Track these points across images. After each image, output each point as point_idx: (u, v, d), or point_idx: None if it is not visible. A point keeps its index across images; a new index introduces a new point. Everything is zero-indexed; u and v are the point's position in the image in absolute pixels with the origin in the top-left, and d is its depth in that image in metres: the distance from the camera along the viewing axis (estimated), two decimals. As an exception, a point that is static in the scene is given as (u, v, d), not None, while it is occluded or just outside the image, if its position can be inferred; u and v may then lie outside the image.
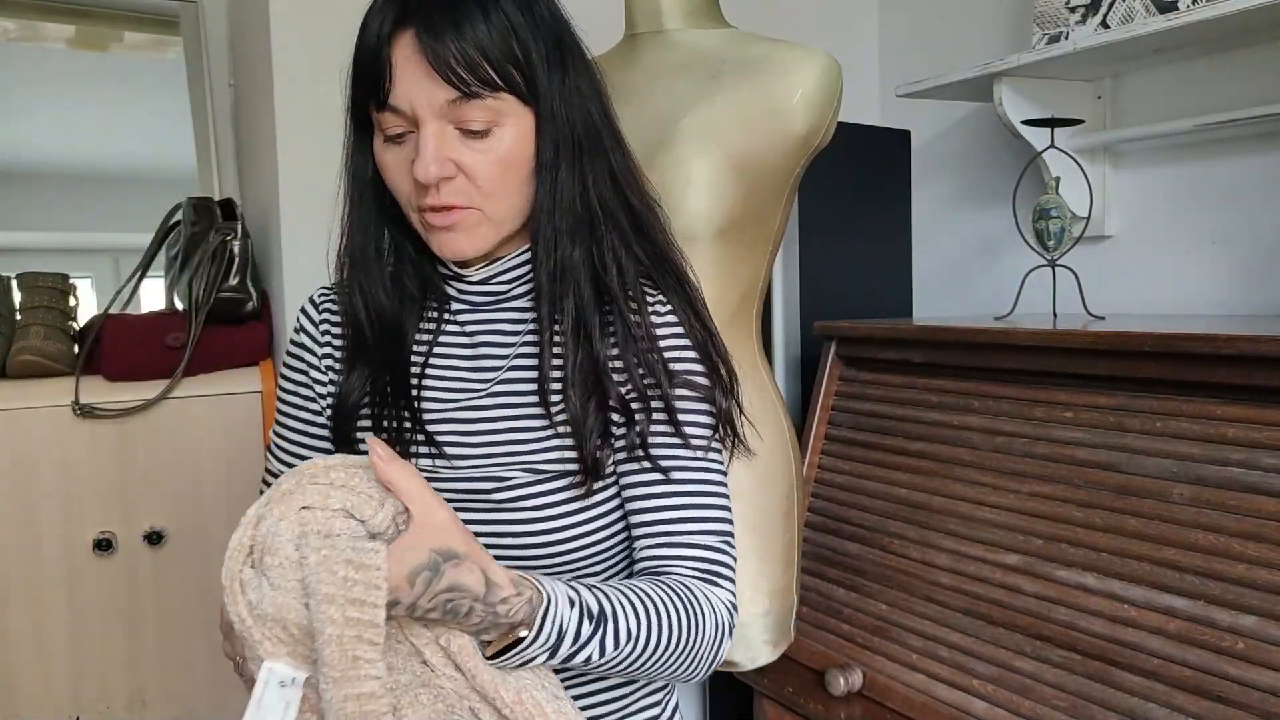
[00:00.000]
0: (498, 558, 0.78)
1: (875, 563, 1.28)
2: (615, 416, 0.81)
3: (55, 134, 1.86)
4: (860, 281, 1.72)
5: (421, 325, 0.86)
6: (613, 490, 0.82)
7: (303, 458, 0.87)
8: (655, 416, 0.81)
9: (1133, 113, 1.56)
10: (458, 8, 0.73)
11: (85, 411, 1.37)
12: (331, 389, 0.86)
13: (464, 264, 0.85)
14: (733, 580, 0.81)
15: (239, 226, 1.52)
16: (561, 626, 0.70)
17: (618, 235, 0.82)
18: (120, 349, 1.42)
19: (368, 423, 0.83)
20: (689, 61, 1.19)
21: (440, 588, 0.65)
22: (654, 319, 0.83)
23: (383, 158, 0.78)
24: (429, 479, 0.80)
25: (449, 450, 0.81)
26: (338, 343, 0.87)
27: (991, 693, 1.09)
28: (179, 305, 1.57)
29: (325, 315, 0.88)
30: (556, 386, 0.80)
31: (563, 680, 0.82)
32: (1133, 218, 1.58)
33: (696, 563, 0.80)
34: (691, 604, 0.77)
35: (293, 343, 0.90)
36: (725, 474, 0.84)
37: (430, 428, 0.82)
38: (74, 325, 1.50)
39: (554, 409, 0.80)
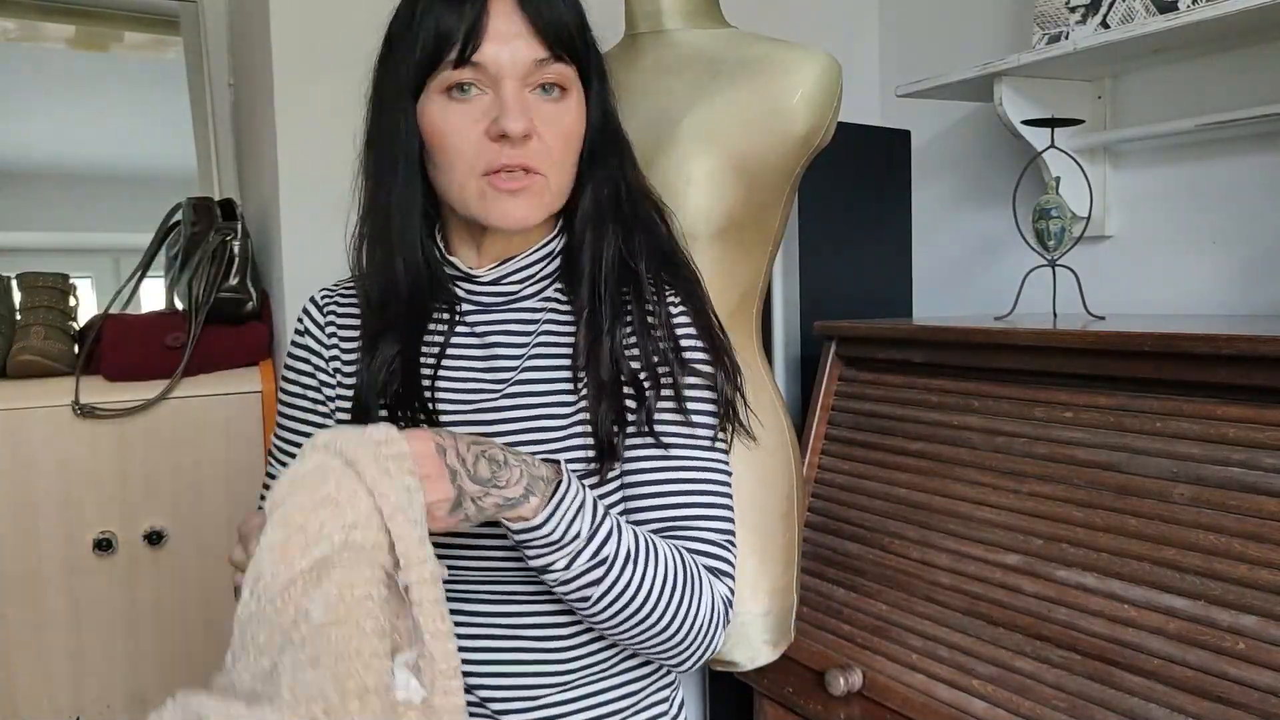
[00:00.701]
0: (514, 557, 0.79)
1: (875, 563, 1.28)
2: (629, 395, 0.82)
3: (55, 134, 1.86)
4: (860, 281, 1.72)
5: (431, 327, 0.85)
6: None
7: None
8: (664, 394, 0.82)
9: (1133, 113, 1.56)
10: None
11: (85, 411, 1.37)
12: (341, 391, 0.86)
13: (476, 263, 0.85)
14: (732, 578, 0.82)
15: (239, 226, 1.52)
16: (580, 499, 0.72)
17: (643, 226, 0.85)
18: (120, 349, 1.42)
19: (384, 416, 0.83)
20: (689, 61, 1.19)
21: (465, 442, 0.68)
22: (669, 301, 0.85)
23: (443, 119, 0.76)
24: None
25: None
26: (345, 345, 0.86)
27: (991, 693, 1.09)
28: (179, 305, 1.57)
29: (331, 317, 0.88)
30: (586, 365, 0.81)
31: (572, 676, 0.82)
32: (1133, 218, 1.58)
33: (699, 557, 0.80)
34: (694, 571, 0.78)
35: (296, 344, 0.89)
36: (730, 473, 0.85)
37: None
38: (74, 325, 1.51)
39: (581, 394, 0.81)
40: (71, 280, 1.52)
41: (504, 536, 0.79)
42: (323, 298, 0.89)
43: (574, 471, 0.80)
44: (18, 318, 1.47)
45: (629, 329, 0.82)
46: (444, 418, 0.82)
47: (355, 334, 0.86)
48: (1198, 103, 1.46)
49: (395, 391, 0.82)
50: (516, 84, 0.75)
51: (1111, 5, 1.42)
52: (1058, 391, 1.15)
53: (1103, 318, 1.39)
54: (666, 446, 0.81)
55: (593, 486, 0.80)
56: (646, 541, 0.76)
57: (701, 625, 0.78)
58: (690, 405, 0.82)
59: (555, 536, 0.71)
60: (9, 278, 1.48)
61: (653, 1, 1.22)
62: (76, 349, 1.47)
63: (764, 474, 1.18)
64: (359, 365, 0.83)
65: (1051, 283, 1.50)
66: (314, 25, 1.45)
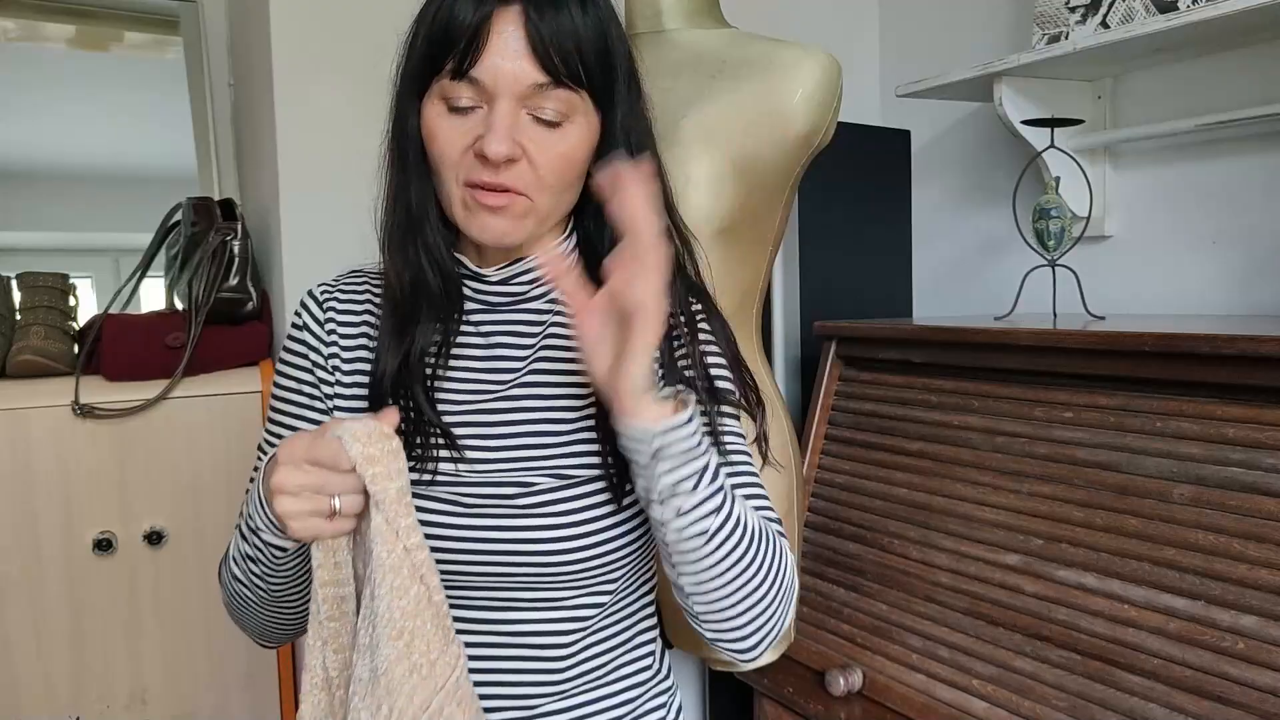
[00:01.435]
0: (522, 564, 0.78)
1: (875, 563, 1.28)
2: None
3: (55, 134, 1.86)
4: (860, 281, 1.72)
5: (434, 325, 0.85)
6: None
7: None
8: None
9: (1133, 113, 1.56)
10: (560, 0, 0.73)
11: (85, 411, 1.37)
12: (339, 389, 0.85)
13: (483, 263, 0.84)
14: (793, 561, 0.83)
15: (239, 226, 1.52)
16: (705, 440, 0.72)
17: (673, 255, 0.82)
18: (120, 349, 1.42)
19: None
20: (689, 61, 1.19)
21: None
22: (700, 331, 0.84)
23: (437, 124, 0.76)
24: (451, 482, 0.79)
25: (470, 454, 0.80)
26: (344, 341, 0.85)
27: (991, 693, 1.09)
28: (179, 305, 1.57)
29: (330, 314, 0.86)
30: (591, 393, 0.80)
31: (569, 684, 0.82)
32: (1133, 218, 1.58)
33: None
34: (773, 535, 0.78)
35: (293, 339, 0.87)
36: (760, 482, 0.85)
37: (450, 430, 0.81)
38: (74, 325, 1.51)
39: (593, 416, 0.80)
40: (71, 280, 1.52)
41: (503, 538, 0.78)
42: (322, 293, 0.88)
43: (579, 478, 0.80)
44: (18, 318, 1.47)
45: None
46: (444, 418, 0.82)
47: (355, 330, 0.86)
48: (1198, 103, 1.46)
49: (415, 357, 0.81)
50: (512, 104, 0.73)
51: (1111, 5, 1.42)
52: (1058, 391, 1.15)
53: (1103, 318, 1.39)
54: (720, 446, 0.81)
55: (607, 503, 0.79)
56: (743, 505, 0.76)
57: (785, 582, 0.78)
58: (722, 436, 0.82)
59: (694, 441, 0.70)
60: (9, 278, 1.48)
61: (653, 2, 1.22)
62: (76, 349, 1.47)
63: (764, 474, 1.18)
64: (379, 353, 0.82)
65: (1051, 283, 1.50)
66: (314, 25, 1.45)
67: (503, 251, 0.83)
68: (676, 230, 0.85)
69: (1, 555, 1.34)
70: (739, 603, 0.75)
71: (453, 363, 0.84)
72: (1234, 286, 1.45)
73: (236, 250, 1.50)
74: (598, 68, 0.75)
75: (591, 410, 0.80)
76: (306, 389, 0.86)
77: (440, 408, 0.82)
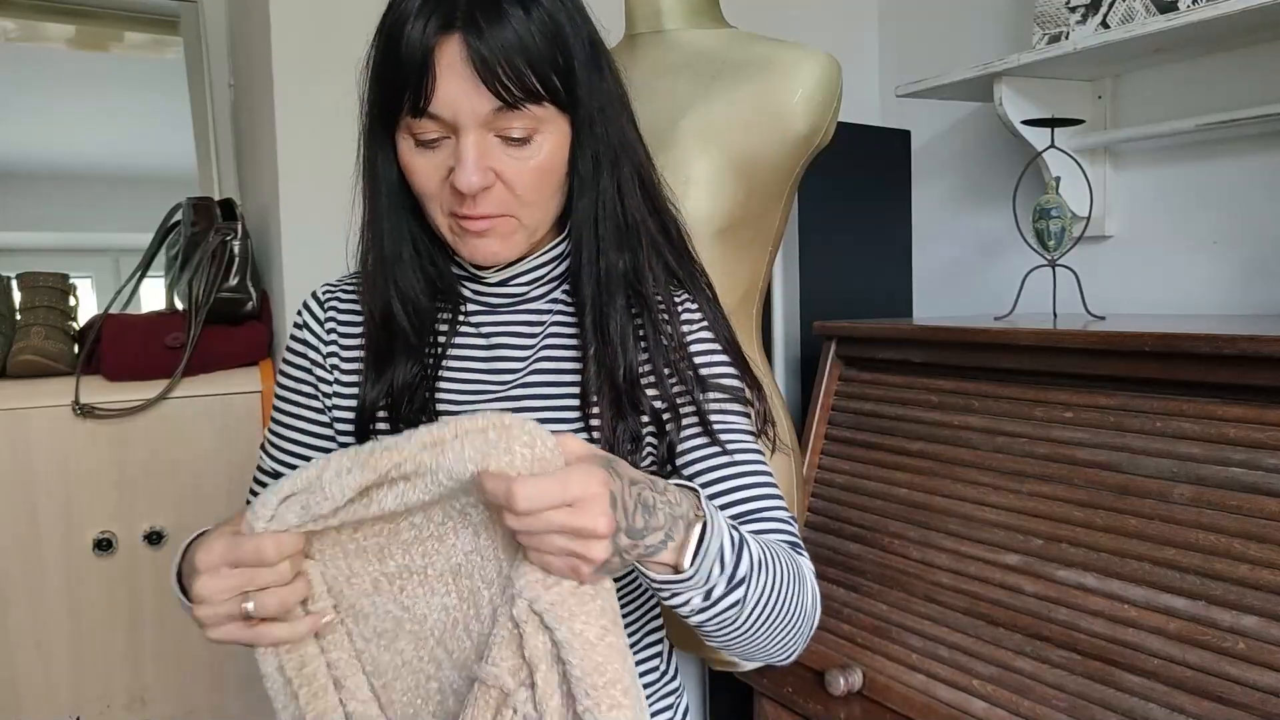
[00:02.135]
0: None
1: (875, 563, 1.28)
2: (647, 423, 0.81)
3: (55, 134, 1.86)
4: (860, 281, 1.72)
5: (435, 327, 0.85)
6: None
7: (300, 457, 0.86)
8: (686, 422, 0.80)
9: (1133, 113, 1.56)
10: (501, 8, 0.70)
11: (85, 411, 1.37)
12: (339, 389, 0.85)
13: (484, 266, 0.84)
14: (806, 553, 0.81)
15: (239, 226, 1.52)
16: (722, 532, 0.67)
17: (649, 242, 0.82)
18: (120, 349, 1.42)
19: (385, 426, 0.82)
20: (689, 62, 1.19)
21: (627, 480, 0.62)
22: (686, 319, 0.83)
23: (411, 161, 0.76)
24: None
25: None
26: (344, 341, 0.86)
27: (991, 693, 1.09)
28: (179, 305, 1.57)
29: (331, 314, 0.87)
30: (596, 395, 0.79)
31: None
32: (1133, 218, 1.58)
33: (779, 536, 0.79)
34: (790, 559, 0.76)
35: (294, 339, 0.88)
36: (769, 470, 0.84)
37: None
38: (74, 325, 1.51)
39: (592, 416, 0.79)
40: (71, 280, 1.53)
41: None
42: (324, 294, 0.89)
43: None
44: (18, 318, 1.47)
45: (642, 347, 0.81)
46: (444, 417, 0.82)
47: (356, 331, 0.86)
48: (1198, 103, 1.46)
49: (400, 389, 0.81)
50: (476, 132, 0.72)
51: (1111, 5, 1.42)
52: (1058, 391, 1.15)
53: (1103, 318, 1.39)
54: (728, 463, 0.81)
55: None
56: (759, 543, 0.73)
57: (809, 607, 0.77)
58: (718, 424, 0.81)
59: (699, 580, 0.67)
60: (9, 278, 1.48)
61: (653, 2, 1.22)
62: (76, 349, 1.47)
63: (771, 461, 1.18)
64: (361, 381, 0.83)
65: (1051, 283, 1.50)
66: (314, 25, 1.45)
67: None
68: (655, 210, 0.84)
69: (1, 555, 1.34)
70: (764, 647, 0.75)
71: (455, 363, 0.84)
72: (1234, 286, 1.45)
73: (236, 250, 1.50)
74: (554, 74, 0.72)
75: (595, 410, 0.80)
76: (306, 389, 0.87)
77: (441, 409, 0.82)
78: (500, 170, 0.73)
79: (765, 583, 0.71)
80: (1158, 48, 1.41)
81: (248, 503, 0.87)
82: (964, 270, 1.88)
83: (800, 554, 0.81)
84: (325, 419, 0.86)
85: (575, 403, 0.81)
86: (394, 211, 0.80)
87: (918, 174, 1.87)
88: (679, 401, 0.81)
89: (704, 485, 0.81)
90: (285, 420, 0.88)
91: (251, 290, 1.52)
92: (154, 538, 1.42)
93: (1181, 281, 1.52)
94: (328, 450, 0.85)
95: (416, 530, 0.68)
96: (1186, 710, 0.93)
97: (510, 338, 0.84)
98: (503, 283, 0.84)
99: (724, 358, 0.84)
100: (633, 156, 0.81)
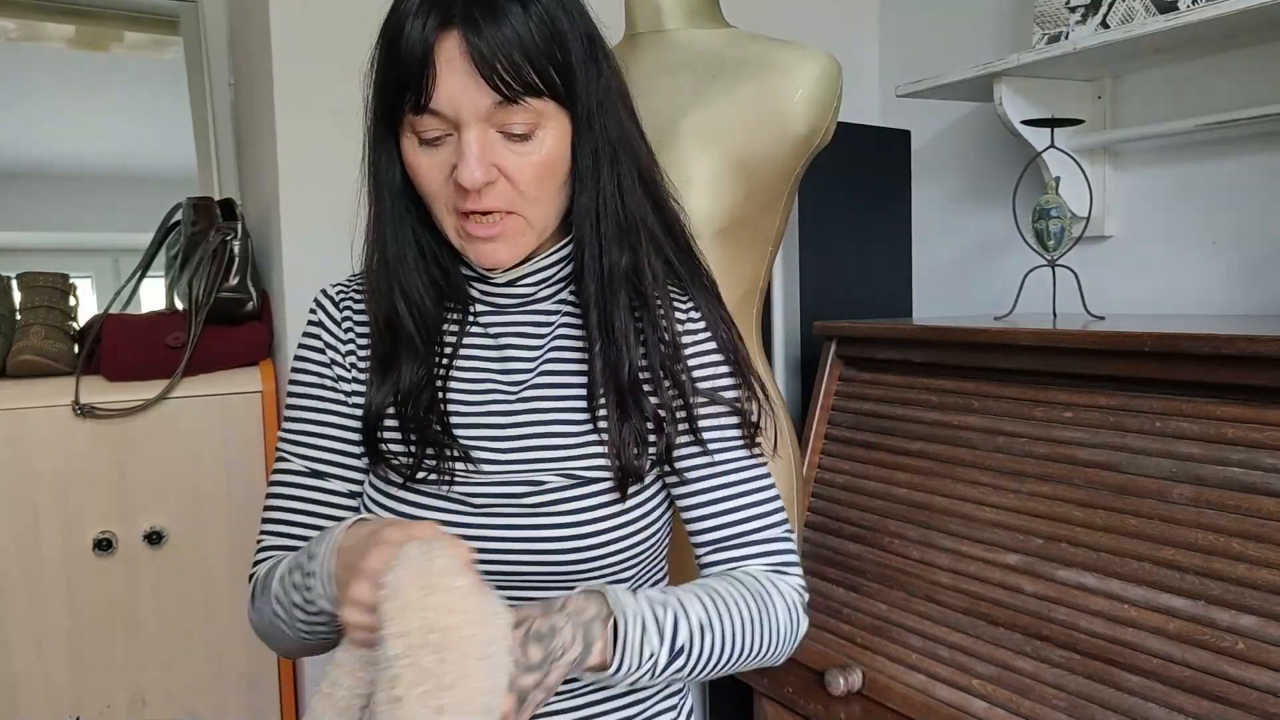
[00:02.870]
0: (531, 563, 0.79)
1: (875, 563, 1.28)
2: (647, 423, 0.81)
3: (55, 134, 1.86)
4: (860, 281, 1.72)
5: (443, 329, 0.85)
6: (649, 495, 0.83)
7: (335, 452, 0.84)
8: (681, 427, 0.82)
9: (1133, 113, 1.56)
10: (499, 4, 0.71)
11: (85, 411, 1.37)
12: (356, 387, 0.85)
13: (492, 269, 0.84)
14: (799, 565, 0.84)
15: (239, 226, 1.52)
16: (641, 616, 0.71)
17: (649, 238, 0.82)
18: (120, 349, 1.42)
19: (396, 434, 0.82)
20: (689, 61, 1.19)
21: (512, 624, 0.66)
22: (679, 318, 0.83)
23: (416, 160, 0.76)
24: (460, 482, 0.80)
25: (475, 454, 0.80)
26: (361, 341, 0.85)
27: (991, 693, 1.09)
28: (179, 305, 1.57)
29: (347, 312, 0.86)
30: (603, 393, 0.80)
31: (577, 683, 0.81)
32: (1133, 218, 1.58)
33: (762, 558, 0.82)
34: (761, 594, 0.79)
35: (311, 335, 0.87)
36: (766, 463, 0.85)
37: (457, 431, 0.81)
38: (74, 325, 1.51)
39: (599, 417, 0.80)
40: (71, 280, 1.53)
41: (513, 536, 0.79)
42: (337, 293, 0.88)
43: (588, 478, 0.80)
44: (18, 318, 1.47)
45: (641, 348, 0.81)
46: (454, 418, 0.81)
47: (370, 332, 0.86)
48: (1198, 103, 1.46)
49: (409, 393, 0.81)
50: (478, 128, 0.72)
51: (1111, 5, 1.43)
52: (1058, 391, 1.15)
53: (1103, 318, 1.39)
54: (718, 475, 0.82)
55: (614, 503, 0.80)
56: (710, 597, 0.76)
57: (781, 634, 0.80)
58: (708, 433, 0.82)
59: (633, 666, 0.72)
60: (9, 278, 1.48)
61: (653, 2, 1.22)
62: (76, 349, 1.47)
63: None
64: (368, 386, 0.83)
65: (1051, 283, 1.50)
66: (314, 25, 1.45)
67: None
68: (655, 206, 0.84)
69: (1, 555, 1.34)
70: (739, 670, 0.79)
71: (465, 364, 0.84)
72: (1234, 286, 1.45)
73: (236, 250, 1.51)
74: (553, 68, 0.73)
75: (602, 410, 0.80)
76: (327, 382, 0.86)
77: (452, 408, 0.82)
78: (503, 166, 0.74)
79: (714, 639, 0.75)
80: (1157, 48, 1.41)
81: (270, 508, 0.85)
82: (964, 270, 1.88)
83: (783, 573, 0.82)
84: (348, 410, 0.85)
85: (583, 404, 0.81)
86: (397, 214, 0.81)
87: (918, 174, 1.87)
88: (674, 405, 0.81)
89: (691, 496, 0.83)
90: (303, 415, 0.85)
91: (252, 290, 1.52)
92: (154, 538, 1.42)
93: (1181, 281, 1.52)
94: (352, 442, 0.84)
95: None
96: (1186, 710, 0.93)
97: (519, 338, 0.84)
98: (510, 283, 0.84)
99: (724, 368, 0.84)
100: (633, 153, 0.81)
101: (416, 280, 0.82)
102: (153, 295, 1.67)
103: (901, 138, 1.79)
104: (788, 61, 1.13)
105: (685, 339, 0.83)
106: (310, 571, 0.72)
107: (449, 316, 0.85)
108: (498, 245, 0.77)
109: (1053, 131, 1.51)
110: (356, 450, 0.84)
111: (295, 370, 0.87)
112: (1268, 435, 0.94)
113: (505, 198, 0.75)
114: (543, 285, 0.84)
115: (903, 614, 1.22)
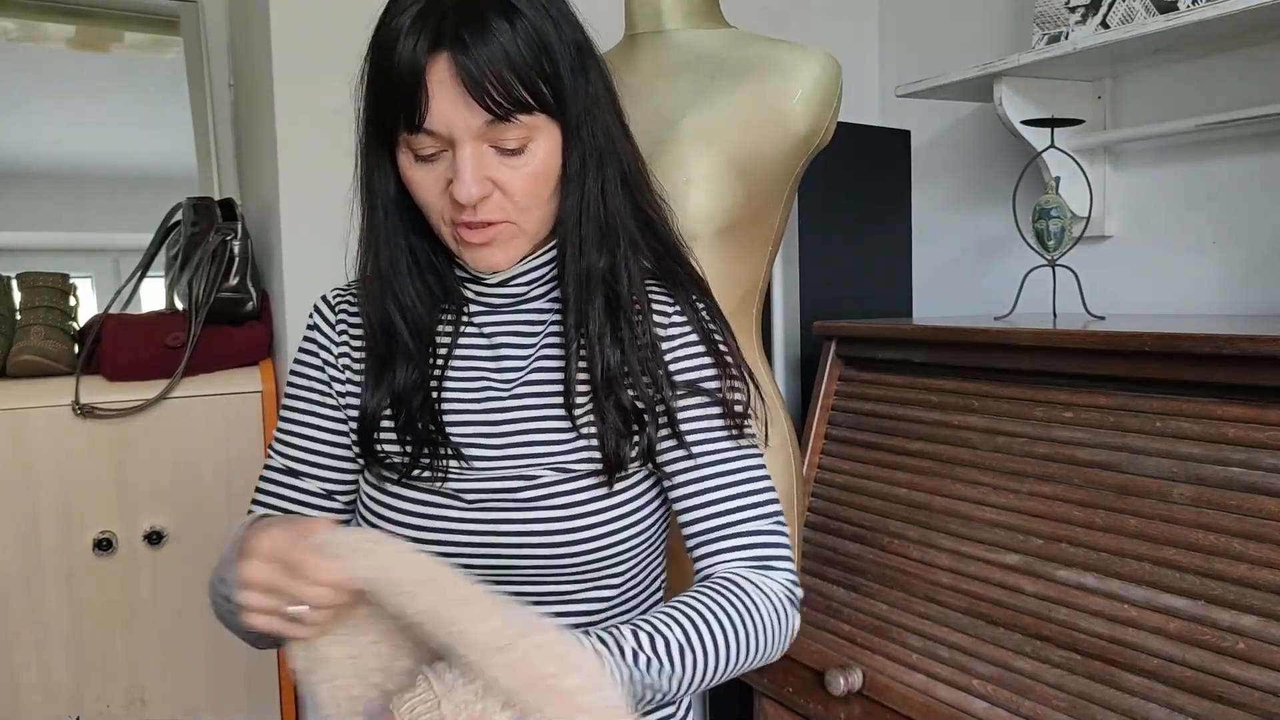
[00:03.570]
0: (524, 557, 0.80)
1: (875, 563, 1.28)
2: (631, 420, 0.82)
3: (55, 134, 1.86)
4: (860, 281, 1.72)
5: (438, 329, 0.86)
6: (638, 487, 0.83)
7: (311, 452, 0.87)
8: (661, 423, 0.82)
9: (1133, 113, 1.56)
10: (486, 23, 0.71)
11: (85, 411, 1.37)
12: (350, 388, 0.86)
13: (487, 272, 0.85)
14: (788, 559, 0.83)
15: (239, 226, 1.52)
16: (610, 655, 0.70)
17: (628, 241, 0.83)
18: (120, 349, 1.42)
19: (391, 435, 0.83)
20: (689, 62, 1.19)
21: None
22: (659, 320, 0.84)
23: (411, 174, 0.78)
24: (453, 478, 0.81)
25: (468, 451, 0.81)
26: (355, 343, 0.87)
27: (991, 693, 1.09)
28: (179, 305, 1.57)
29: (342, 316, 0.88)
30: (583, 390, 0.81)
31: None
32: (1133, 218, 1.58)
33: (747, 551, 0.81)
34: (746, 596, 0.78)
35: (307, 339, 0.90)
36: (760, 454, 0.85)
37: (450, 429, 0.82)
38: (74, 325, 1.51)
39: (578, 415, 0.81)
40: (71, 280, 1.53)
41: (505, 529, 0.79)
42: (335, 297, 0.90)
43: (580, 472, 0.80)
44: (18, 317, 1.47)
45: (620, 347, 0.82)
46: (449, 417, 0.83)
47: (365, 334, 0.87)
48: (1198, 103, 1.46)
49: (404, 394, 0.82)
50: (472, 145, 0.74)
51: (1111, 5, 1.43)
52: (1058, 391, 1.15)
53: (1103, 318, 1.39)
54: (705, 465, 0.82)
55: (603, 496, 0.81)
56: (687, 613, 0.75)
57: (767, 636, 0.79)
58: (691, 429, 0.82)
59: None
60: (9, 278, 1.48)
61: (653, 2, 1.22)
62: (76, 349, 1.47)
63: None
64: (363, 389, 0.84)
65: (1051, 283, 1.50)
66: (314, 25, 1.45)
67: None
68: (639, 206, 0.85)
69: (1, 555, 1.34)
70: (730, 676, 0.78)
71: (460, 363, 0.85)
72: (1234, 286, 1.45)
73: (236, 250, 1.51)
74: (543, 82, 0.74)
75: (579, 407, 0.81)
76: (319, 387, 0.88)
77: (447, 407, 0.83)
78: (498, 179, 0.75)
79: (695, 658, 0.74)
80: (1157, 48, 1.41)
81: (254, 502, 0.87)
82: (964, 270, 1.88)
83: (770, 568, 0.81)
84: (339, 415, 0.87)
85: (576, 399, 0.82)
86: (390, 225, 0.82)
87: (917, 174, 1.87)
88: (654, 403, 0.82)
89: (677, 490, 0.83)
90: (297, 418, 0.88)
91: (251, 290, 1.52)
92: (154, 538, 1.42)
93: (1181, 281, 1.52)
94: (341, 446, 0.86)
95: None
96: (1186, 710, 0.93)
97: (511, 337, 0.85)
98: (503, 283, 0.85)
99: (706, 359, 0.84)
100: (618, 158, 0.82)
101: (410, 289, 0.83)
102: (153, 295, 1.67)
103: (901, 138, 1.79)
104: (787, 62, 1.13)
105: (665, 341, 0.84)
106: (223, 578, 0.74)
107: (444, 318, 0.86)
108: (493, 250, 0.79)
109: (1053, 131, 1.51)
110: (339, 451, 0.86)
111: (291, 373, 0.90)
112: (1269, 435, 0.94)
113: (501, 209, 0.77)
114: (534, 285, 0.85)
115: (903, 614, 1.22)
